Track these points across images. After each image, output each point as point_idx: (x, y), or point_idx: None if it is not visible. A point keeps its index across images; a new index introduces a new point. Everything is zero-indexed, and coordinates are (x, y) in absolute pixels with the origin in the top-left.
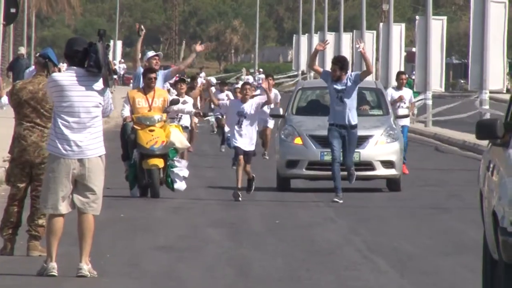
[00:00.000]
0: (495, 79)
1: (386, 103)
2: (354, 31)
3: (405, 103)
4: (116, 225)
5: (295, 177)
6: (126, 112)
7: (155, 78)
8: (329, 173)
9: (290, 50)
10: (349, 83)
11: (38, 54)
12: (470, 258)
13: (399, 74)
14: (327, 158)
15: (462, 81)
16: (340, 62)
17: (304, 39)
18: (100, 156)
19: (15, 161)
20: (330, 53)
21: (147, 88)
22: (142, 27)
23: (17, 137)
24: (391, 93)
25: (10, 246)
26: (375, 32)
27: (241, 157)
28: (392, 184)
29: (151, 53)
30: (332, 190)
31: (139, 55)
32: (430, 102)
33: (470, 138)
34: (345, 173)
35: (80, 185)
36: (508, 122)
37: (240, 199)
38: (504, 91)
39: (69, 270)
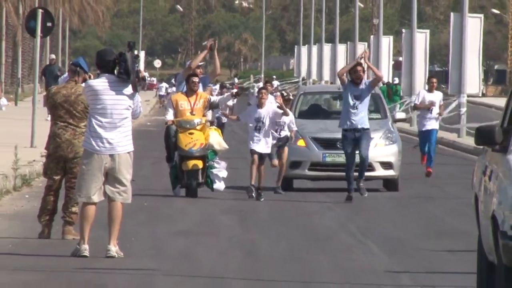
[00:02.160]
0: (472, 84)
1: (384, 107)
2: (348, 42)
3: (434, 105)
4: (140, 213)
5: (298, 177)
6: (169, 116)
7: (198, 82)
8: (330, 173)
9: (292, 59)
10: (364, 89)
11: (71, 62)
12: (449, 241)
13: (430, 78)
14: (329, 159)
15: (443, 86)
16: (361, 65)
17: (304, 49)
18: (128, 152)
19: (51, 156)
20: (326, 62)
21: (190, 91)
22: (213, 45)
23: (53, 135)
24: (423, 95)
25: (47, 230)
26: (366, 43)
27: (256, 156)
28: (390, 184)
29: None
30: (331, 190)
31: (194, 66)
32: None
33: (449, 136)
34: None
35: (111, 177)
36: (505, 128)
37: (253, 195)
38: (480, 95)
39: (99, 251)
